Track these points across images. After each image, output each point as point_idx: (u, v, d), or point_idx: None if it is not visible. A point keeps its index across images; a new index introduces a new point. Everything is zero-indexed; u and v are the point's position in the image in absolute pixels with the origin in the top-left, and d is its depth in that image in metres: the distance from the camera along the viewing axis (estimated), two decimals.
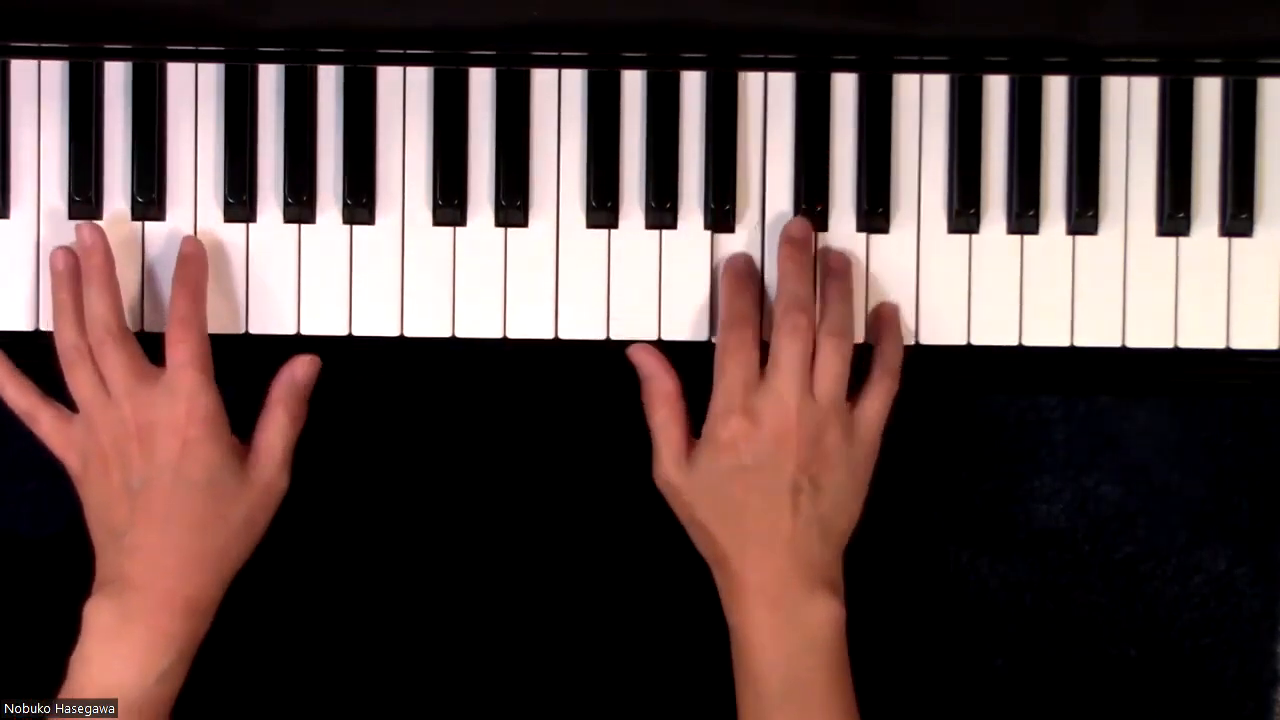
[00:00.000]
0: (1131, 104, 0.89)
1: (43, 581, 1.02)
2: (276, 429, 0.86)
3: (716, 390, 0.85)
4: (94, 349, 0.84)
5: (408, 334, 0.89)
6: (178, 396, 0.83)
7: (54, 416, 0.86)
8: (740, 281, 0.87)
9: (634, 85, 0.89)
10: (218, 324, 0.88)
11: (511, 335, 0.89)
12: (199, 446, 0.83)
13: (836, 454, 0.85)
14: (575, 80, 0.89)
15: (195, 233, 0.88)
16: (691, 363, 0.87)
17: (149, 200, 0.88)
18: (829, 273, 0.88)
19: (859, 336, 0.88)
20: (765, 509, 0.84)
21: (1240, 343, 0.89)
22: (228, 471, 0.84)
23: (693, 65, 0.89)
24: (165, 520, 0.83)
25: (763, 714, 0.83)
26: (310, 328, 0.89)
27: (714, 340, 0.87)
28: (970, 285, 0.89)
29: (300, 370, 0.87)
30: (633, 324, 0.89)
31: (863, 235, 0.89)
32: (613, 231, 0.89)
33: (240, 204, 0.88)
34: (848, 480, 0.86)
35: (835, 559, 0.86)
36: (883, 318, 0.88)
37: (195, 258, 0.87)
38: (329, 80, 0.89)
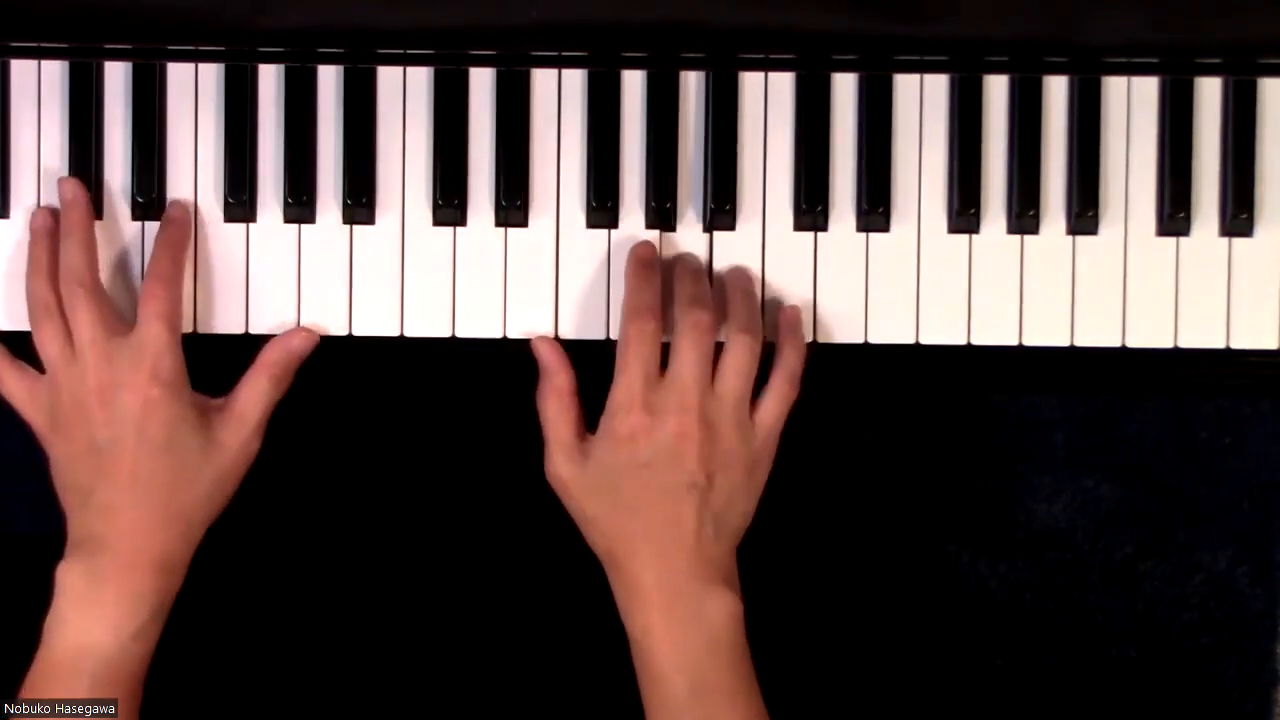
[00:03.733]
0: (1131, 104, 0.89)
1: (43, 581, 1.02)
2: (257, 393, 0.85)
3: (617, 383, 0.84)
4: (65, 301, 0.84)
5: (408, 334, 0.89)
6: (143, 353, 0.83)
7: (19, 374, 0.86)
8: (645, 272, 0.86)
9: (634, 85, 0.89)
10: (218, 324, 0.88)
11: (511, 335, 0.89)
12: (161, 406, 0.82)
13: (735, 453, 0.83)
14: (575, 80, 0.89)
15: (195, 233, 0.88)
16: None
17: (149, 200, 0.88)
18: (731, 274, 0.88)
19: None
20: (662, 506, 0.82)
21: (1240, 343, 0.89)
22: (191, 431, 0.83)
23: (693, 65, 0.89)
24: (131, 479, 0.82)
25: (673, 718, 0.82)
26: (310, 327, 0.88)
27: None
28: (970, 285, 0.89)
29: (297, 342, 0.87)
30: None
31: (863, 235, 0.89)
32: (613, 231, 0.89)
33: (240, 204, 0.88)
34: (745, 479, 0.84)
35: (730, 555, 0.84)
36: (786, 321, 0.87)
37: (180, 221, 0.87)
38: (329, 80, 0.89)
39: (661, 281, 0.86)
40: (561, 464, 0.85)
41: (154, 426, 0.82)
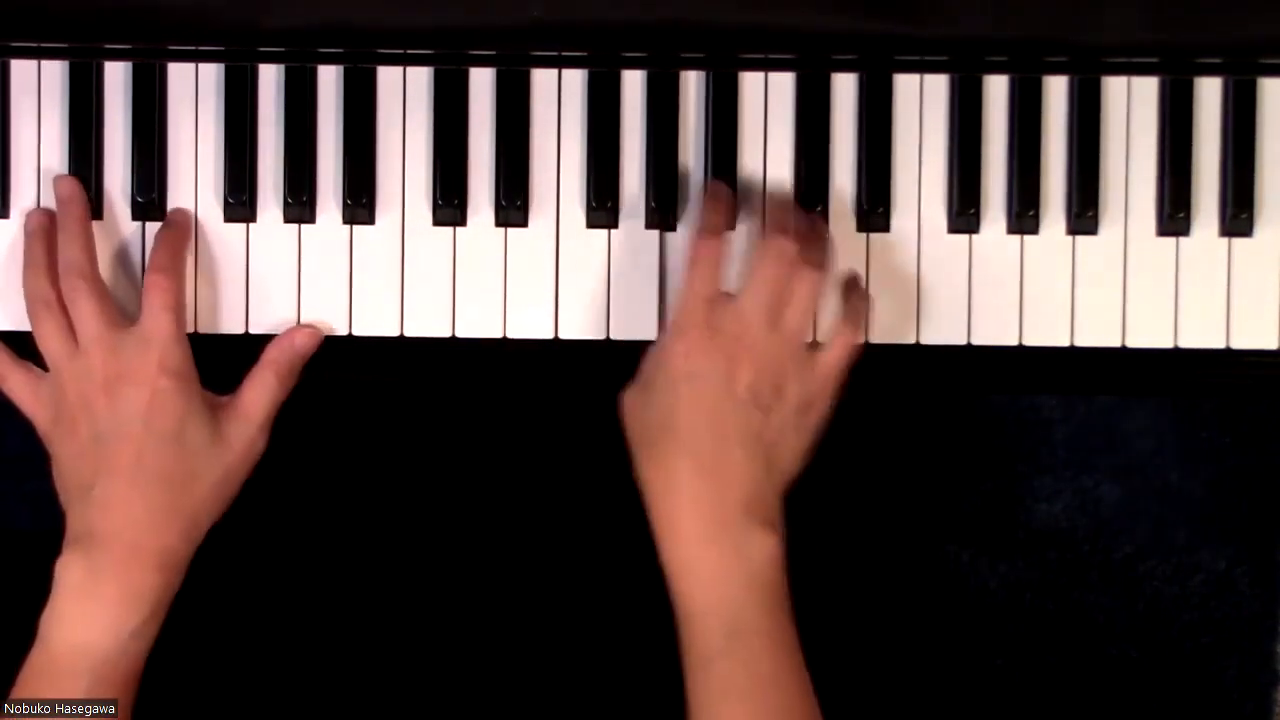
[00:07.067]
0: (1131, 104, 0.89)
1: (44, 579, 1.03)
2: (264, 389, 0.85)
3: (680, 300, 0.84)
4: (65, 295, 0.84)
5: (408, 334, 0.89)
6: (150, 345, 0.83)
7: (23, 373, 0.85)
8: (717, 198, 0.86)
9: (634, 85, 0.89)
10: (219, 324, 0.88)
11: (511, 335, 0.89)
12: (169, 397, 0.82)
13: (789, 389, 0.82)
14: (575, 80, 0.89)
15: (195, 233, 0.88)
16: None
17: (149, 200, 0.88)
18: (818, 215, 0.88)
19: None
20: (711, 429, 0.81)
21: (1240, 343, 0.89)
22: (199, 425, 0.83)
23: (693, 65, 0.89)
24: (133, 472, 0.81)
25: (706, 661, 0.79)
26: (314, 324, 0.89)
27: None
28: (970, 285, 0.89)
29: (301, 339, 0.86)
30: (633, 324, 0.89)
31: (863, 235, 0.89)
32: (613, 231, 0.89)
33: (240, 204, 0.88)
34: (796, 419, 0.83)
35: (776, 496, 0.82)
36: (847, 275, 0.88)
37: (181, 223, 0.87)
38: (329, 80, 0.89)
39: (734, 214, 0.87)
40: (630, 387, 0.84)
41: (161, 419, 0.82)
